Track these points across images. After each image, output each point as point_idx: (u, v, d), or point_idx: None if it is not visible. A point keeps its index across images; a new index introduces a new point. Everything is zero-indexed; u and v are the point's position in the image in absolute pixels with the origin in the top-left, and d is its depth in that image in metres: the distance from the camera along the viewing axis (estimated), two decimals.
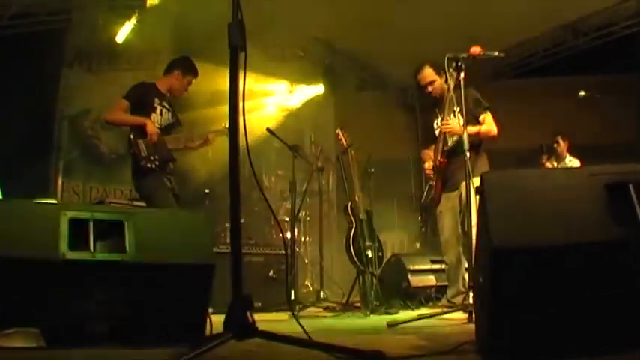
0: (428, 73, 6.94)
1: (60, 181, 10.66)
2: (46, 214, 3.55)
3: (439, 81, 6.83)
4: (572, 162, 10.13)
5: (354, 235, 7.22)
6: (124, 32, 10.48)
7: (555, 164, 10.18)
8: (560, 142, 10.20)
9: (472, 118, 6.57)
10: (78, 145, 11.01)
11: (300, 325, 3.29)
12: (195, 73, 7.25)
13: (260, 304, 7.26)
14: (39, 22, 9.98)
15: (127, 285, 3.53)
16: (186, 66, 7.24)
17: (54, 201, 4.89)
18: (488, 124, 6.75)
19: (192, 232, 3.82)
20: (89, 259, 3.47)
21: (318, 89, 12.97)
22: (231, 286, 3.07)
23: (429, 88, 7.01)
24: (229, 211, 3.17)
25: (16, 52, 9.42)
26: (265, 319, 5.72)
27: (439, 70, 6.74)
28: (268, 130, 8.51)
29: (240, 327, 2.90)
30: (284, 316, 6.76)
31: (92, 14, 10.19)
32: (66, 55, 10.89)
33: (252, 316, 2.97)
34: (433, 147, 7.00)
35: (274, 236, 9.83)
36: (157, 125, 6.80)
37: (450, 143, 6.73)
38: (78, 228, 3.51)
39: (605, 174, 2.88)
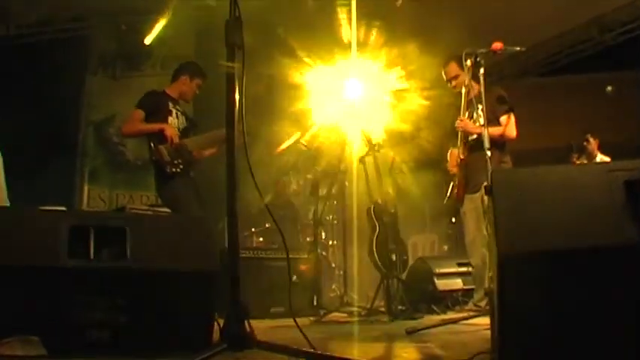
0: (452, 68, 6.83)
1: (86, 188, 10.65)
2: (47, 220, 3.47)
3: (462, 77, 6.67)
4: (603, 160, 9.96)
5: (377, 238, 7.07)
6: (152, 35, 10.46)
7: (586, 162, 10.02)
8: (591, 140, 10.04)
9: (493, 118, 6.43)
10: (103, 151, 11.02)
11: (303, 333, 3.14)
12: (202, 75, 7.20)
13: (283, 309, 7.15)
14: (61, 29, 9.97)
15: (128, 292, 3.43)
16: (192, 70, 7.21)
17: (62, 207, 4.79)
18: (508, 126, 6.61)
19: (197, 237, 3.71)
20: (89, 267, 3.38)
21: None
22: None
23: (453, 83, 6.95)
24: (227, 217, 3.05)
25: (39, 59, 9.42)
26: (285, 325, 5.62)
27: (473, 60, 6.58)
28: (291, 134, 8.41)
29: (235, 337, 2.78)
30: (306, 321, 6.65)
31: (115, 20, 10.18)
32: (89, 62, 10.90)
33: (250, 325, 2.84)
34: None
35: (300, 240, 9.69)
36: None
37: (469, 139, 6.61)
38: (79, 235, 3.42)
39: (624, 170, 2.68)
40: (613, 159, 9.71)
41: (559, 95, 12.20)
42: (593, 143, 10.08)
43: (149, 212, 7.70)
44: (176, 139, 6.64)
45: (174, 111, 6.93)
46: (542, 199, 2.61)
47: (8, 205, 4.91)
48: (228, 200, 3.06)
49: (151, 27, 10.59)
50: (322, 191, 9.48)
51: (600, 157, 10.08)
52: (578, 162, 9.91)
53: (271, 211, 9.43)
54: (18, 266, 3.23)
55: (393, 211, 7.44)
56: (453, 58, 6.83)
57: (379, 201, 7.28)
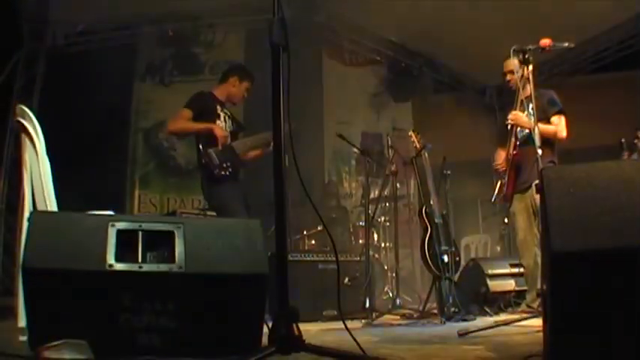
0: (510, 63, 6.69)
1: (137, 193, 10.75)
2: (94, 225, 3.46)
3: (519, 74, 6.56)
4: None
5: (429, 239, 7.01)
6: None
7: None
8: None
9: (544, 118, 6.34)
10: (154, 156, 11.10)
11: (352, 336, 3.10)
12: (251, 78, 7.19)
13: (335, 312, 7.12)
14: (108, 37, 10.07)
15: (176, 296, 3.42)
16: (242, 72, 7.22)
17: (109, 212, 4.82)
18: (560, 126, 6.52)
19: (246, 241, 3.68)
20: (137, 271, 3.37)
21: (394, 92, 12.84)
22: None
23: (508, 77, 6.89)
24: (275, 219, 3.02)
25: (87, 68, 9.51)
26: (336, 328, 5.59)
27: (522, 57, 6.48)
28: (339, 135, 8.38)
29: (284, 341, 2.75)
30: (358, 324, 6.63)
31: (162, 27, 10.25)
32: (137, 69, 11.00)
33: (298, 328, 2.81)
34: (506, 148, 6.80)
35: (353, 243, 9.65)
36: None
37: (520, 136, 6.53)
38: (127, 239, 3.42)
39: None
40: None
41: (609, 92, 12.06)
42: None
43: (200, 216, 7.76)
44: (225, 141, 6.65)
45: (222, 114, 6.93)
46: (594, 197, 2.52)
47: (56, 210, 4.95)
48: (276, 202, 3.03)
49: (199, 32, 10.68)
50: (374, 193, 9.46)
51: None
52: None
53: (323, 214, 9.49)
54: (66, 270, 3.23)
55: (444, 212, 7.38)
56: (513, 53, 6.71)
57: (431, 202, 7.22)
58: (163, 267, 3.42)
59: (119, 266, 3.33)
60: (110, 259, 3.32)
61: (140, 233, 3.47)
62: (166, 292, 3.42)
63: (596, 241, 2.43)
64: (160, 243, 3.50)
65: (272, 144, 3.22)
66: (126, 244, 3.41)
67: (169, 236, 3.50)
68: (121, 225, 3.46)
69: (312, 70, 11.67)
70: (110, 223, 3.44)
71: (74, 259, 3.28)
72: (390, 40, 12.13)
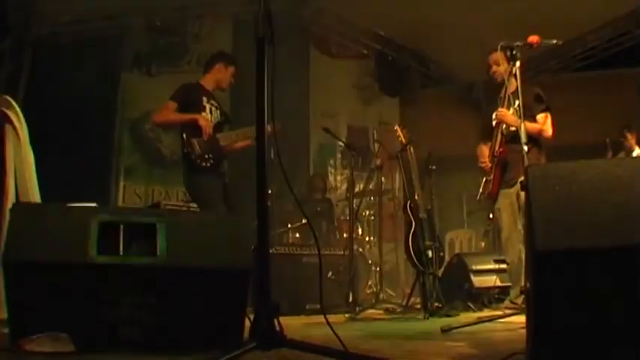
0: (497, 55, 6.65)
1: (122, 184, 10.69)
2: (77, 217, 3.45)
3: (503, 67, 6.54)
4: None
5: (413, 235, 7.00)
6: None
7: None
8: (628, 135, 10.01)
9: (529, 115, 6.33)
10: (139, 148, 11.03)
11: (334, 331, 3.07)
12: (235, 63, 7.23)
13: (318, 305, 7.11)
14: (95, 28, 10.01)
15: (158, 289, 3.41)
16: (226, 58, 7.25)
17: (93, 204, 4.81)
18: (545, 125, 6.51)
19: (229, 234, 3.67)
20: (118, 263, 3.35)
21: (382, 86, 12.85)
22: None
23: (493, 69, 6.80)
24: (256, 211, 3.00)
25: (73, 58, 9.46)
26: (319, 322, 5.58)
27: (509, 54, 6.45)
28: (325, 129, 8.38)
29: (265, 336, 2.73)
30: (341, 318, 6.62)
31: (150, 17, 10.21)
32: (124, 60, 10.93)
33: (279, 323, 2.79)
34: (489, 144, 6.80)
35: (337, 237, 9.64)
36: None
37: (505, 132, 6.51)
38: (109, 231, 3.40)
39: None
40: None
41: (596, 89, 12.11)
42: (630, 138, 10.06)
43: (184, 208, 7.74)
44: (209, 131, 6.63)
45: (207, 106, 6.90)
46: (579, 195, 2.51)
47: (40, 202, 4.92)
48: (257, 196, 3.01)
49: (186, 23, 10.65)
50: (359, 187, 9.45)
51: (638, 152, 10.02)
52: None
53: (308, 207, 9.46)
54: (48, 262, 3.22)
55: (429, 207, 7.37)
56: (499, 48, 6.67)
57: (415, 197, 7.21)
58: (145, 260, 3.41)
59: (101, 259, 3.31)
60: (92, 251, 3.30)
61: (122, 226, 3.45)
62: (148, 285, 3.40)
63: (580, 240, 2.42)
64: (142, 236, 3.48)
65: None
66: (108, 237, 3.39)
67: (151, 229, 3.48)
68: (103, 217, 3.44)
69: (298, 63, 11.67)
70: (92, 216, 3.41)
71: (56, 251, 3.27)
72: (378, 33, 12.17)
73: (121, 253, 3.39)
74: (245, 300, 3.62)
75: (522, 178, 5.28)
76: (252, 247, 3.51)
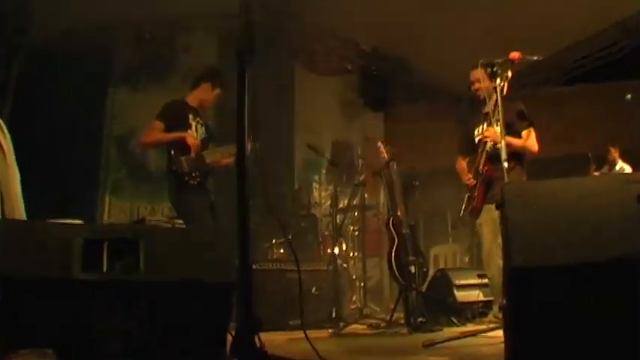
0: (478, 72, 6.65)
1: (107, 200, 10.69)
2: (61, 234, 3.46)
3: (486, 84, 6.54)
4: (622, 168, 10.03)
5: (396, 251, 7.04)
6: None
7: (607, 172, 10.10)
8: (611, 150, 10.14)
9: (514, 132, 6.37)
10: (125, 163, 11.04)
11: (313, 347, 3.11)
12: (223, 85, 7.19)
13: (300, 321, 7.14)
14: (84, 40, 10.01)
15: (141, 305, 3.42)
16: (214, 78, 7.22)
17: (78, 221, 4.82)
18: (530, 140, 6.54)
19: (212, 250, 3.69)
20: (102, 279, 3.37)
21: (366, 102, 12.92)
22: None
23: (475, 86, 6.78)
24: (237, 227, 3.03)
25: (61, 70, 9.46)
26: (302, 338, 5.59)
27: (490, 71, 6.45)
28: (309, 145, 8.43)
29: (245, 352, 2.76)
30: (325, 334, 6.64)
31: (138, 31, 10.23)
32: (112, 73, 10.94)
33: (260, 339, 2.83)
34: (468, 158, 6.84)
35: (322, 252, 9.66)
36: None
37: (489, 149, 6.51)
38: (92, 248, 3.42)
39: (638, 182, 2.63)
40: (635, 166, 9.74)
41: (580, 103, 12.18)
42: (613, 153, 10.17)
43: (168, 224, 7.76)
44: (198, 149, 6.67)
45: (194, 124, 6.94)
46: (554, 213, 2.56)
47: (25, 218, 4.92)
48: (238, 211, 3.05)
49: (174, 36, 10.67)
50: (343, 203, 9.48)
51: (621, 166, 10.13)
52: (596, 174, 10.00)
53: (292, 223, 9.48)
54: (31, 279, 3.23)
55: (412, 223, 7.41)
56: (481, 63, 6.68)
57: (398, 214, 7.25)
58: (128, 276, 3.43)
59: (85, 275, 3.33)
60: (76, 268, 3.31)
61: (106, 243, 3.47)
62: (131, 300, 3.42)
63: (555, 257, 2.47)
64: (125, 252, 3.49)
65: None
66: (92, 254, 3.40)
67: (135, 245, 3.50)
68: (87, 234, 3.46)
69: (283, 78, 11.70)
70: (76, 233, 3.43)
71: (40, 268, 3.28)
72: (362, 48, 12.20)
73: (105, 270, 3.40)
74: (228, 315, 3.64)
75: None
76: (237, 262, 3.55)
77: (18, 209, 4.75)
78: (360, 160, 8.89)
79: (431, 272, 8.08)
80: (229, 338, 3.41)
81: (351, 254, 9.97)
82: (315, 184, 12.16)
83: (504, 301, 3.86)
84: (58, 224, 3.78)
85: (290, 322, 7.15)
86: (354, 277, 9.34)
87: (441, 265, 11.42)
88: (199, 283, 3.53)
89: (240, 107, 3.10)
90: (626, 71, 11.61)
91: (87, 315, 3.34)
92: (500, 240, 6.36)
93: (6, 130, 4.73)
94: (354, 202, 9.45)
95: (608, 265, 2.44)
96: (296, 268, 7.41)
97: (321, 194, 12.11)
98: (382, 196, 10.92)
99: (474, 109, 7.10)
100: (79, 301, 3.33)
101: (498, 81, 5.61)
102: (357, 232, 10.05)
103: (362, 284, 8.70)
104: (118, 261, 3.48)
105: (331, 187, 10.34)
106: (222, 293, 3.58)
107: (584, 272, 2.46)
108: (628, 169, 10.15)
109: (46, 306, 3.27)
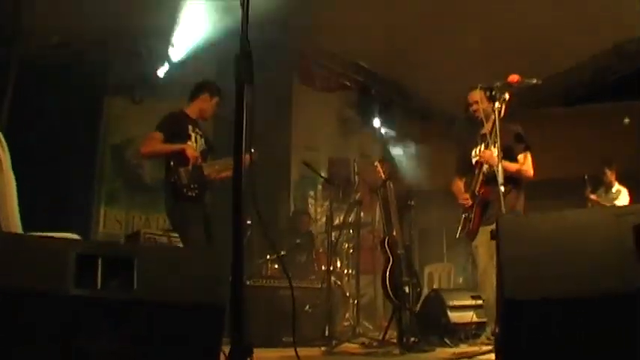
0: (476, 93, 6.64)
1: (102, 210, 10.68)
2: (55, 249, 3.45)
3: (484, 106, 6.53)
4: (619, 191, 10.05)
5: (391, 271, 7.04)
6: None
7: (603, 195, 10.13)
8: (607, 172, 10.16)
9: (511, 155, 6.37)
10: (121, 173, 11.03)
11: None
12: (220, 93, 7.28)
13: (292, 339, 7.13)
14: (81, 51, 10.02)
15: (133, 323, 3.41)
16: (212, 88, 7.27)
17: (73, 235, 4.81)
18: (526, 165, 6.54)
19: (205, 271, 3.69)
20: (94, 297, 3.36)
21: (364, 119, 12.96)
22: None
23: (474, 107, 6.77)
24: (232, 253, 3.02)
25: (58, 81, 9.46)
26: (294, 356, 5.58)
27: (488, 94, 6.44)
28: (305, 163, 8.45)
29: None
30: (317, 352, 6.64)
31: (135, 44, 10.24)
32: (109, 85, 10.94)
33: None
34: (464, 179, 6.85)
35: (315, 269, 9.64)
36: None
37: (486, 171, 6.52)
38: (86, 264, 3.41)
39: (634, 214, 2.63)
40: (631, 188, 9.76)
41: (578, 124, 12.22)
42: (609, 175, 10.19)
43: (163, 237, 7.75)
44: (197, 161, 6.68)
45: (193, 135, 6.96)
46: (549, 246, 2.57)
47: (20, 229, 4.91)
48: (233, 230, 3.04)
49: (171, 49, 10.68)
50: (338, 219, 9.48)
51: (617, 188, 10.15)
52: (592, 196, 10.01)
53: (289, 239, 9.49)
54: (24, 293, 3.22)
55: (407, 243, 7.41)
56: (480, 86, 6.66)
57: (393, 233, 7.25)
58: (121, 294, 3.42)
59: (78, 292, 3.31)
60: (69, 284, 3.30)
61: (100, 259, 3.46)
62: (123, 319, 3.40)
63: (548, 291, 2.47)
64: (119, 269, 3.48)
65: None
66: (85, 270, 3.39)
67: (129, 263, 3.49)
68: (81, 250, 3.45)
69: (281, 94, 11.70)
70: (70, 248, 3.42)
71: (32, 283, 3.26)
72: (362, 66, 12.23)
73: (99, 287, 3.39)
74: (220, 336, 3.63)
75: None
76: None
77: (13, 220, 4.74)
78: (356, 177, 8.86)
79: (425, 290, 8.07)
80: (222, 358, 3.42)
81: (345, 271, 9.96)
82: (311, 200, 12.17)
83: (497, 330, 3.87)
84: (53, 238, 3.77)
85: (283, 339, 7.14)
86: (347, 294, 9.33)
87: (435, 284, 11.44)
88: (191, 304, 3.52)
89: (237, 136, 3.09)
90: (621, 93, 11.66)
91: (78, 331, 3.33)
92: (495, 262, 6.38)
93: (3, 141, 4.72)
94: (350, 220, 9.45)
95: (601, 300, 2.44)
96: (289, 286, 7.45)
97: (316, 210, 12.11)
98: (378, 213, 10.93)
99: (470, 129, 7.09)
100: (70, 317, 3.31)
101: (497, 104, 5.61)
102: (351, 250, 10.04)
103: (355, 302, 8.67)
104: (111, 279, 3.47)
105: (327, 203, 10.36)
106: (213, 315, 3.57)
107: (577, 306, 2.46)
108: (624, 191, 10.16)
109: (37, 321, 3.26)
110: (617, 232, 2.57)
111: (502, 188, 5.29)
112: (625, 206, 2.66)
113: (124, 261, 3.50)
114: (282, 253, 9.06)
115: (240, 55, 3.18)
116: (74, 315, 3.31)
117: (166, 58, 10.70)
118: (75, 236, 4.89)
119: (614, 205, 9.26)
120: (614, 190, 10.24)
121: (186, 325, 3.49)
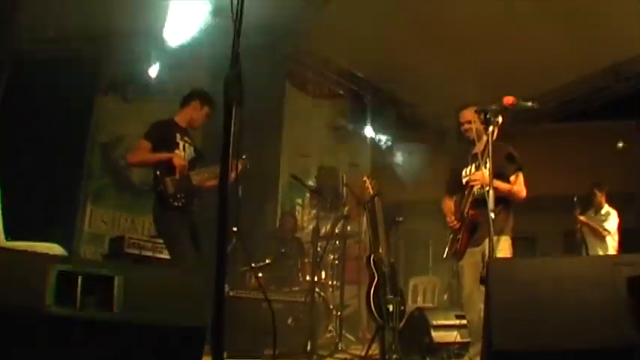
0: (468, 112, 6.59)
1: (89, 209, 10.58)
2: (34, 265, 3.39)
3: (476, 125, 6.47)
4: (608, 212, 10.06)
5: (375, 289, 6.99)
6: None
7: (592, 215, 10.14)
8: (597, 193, 10.15)
9: (502, 176, 6.32)
10: (109, 172, 10.94)
11: None
12: (212, 103, 7.18)
13: (277, 351, 7.07)
14: (73, 48, 9.95)
15: (113, 343, 3.36)
16: (203, 96, 7.19)
17: (55, 245, 4.77)
18: (518, 185, 6.48)
19: (185, 292, 3.65)
20: (74, 315, 3.31)
21: (356, 127, 12.92)
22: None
23: (465, 126, 6.70)
24: (215, 273, 2.97)
25: (49, 77, 9.38)
26: None
27: (483, 117, 6.39)
28: (293, 176, 8.40)
29: None
30: None
31: (128, 42, 10.16)
32: (100, 83, 10.85)
33: None
34: (454, 198, 6.79)
35: (300, 279, 9.56)
36: None
37: (476, 192, 6.45)
38: (66, 281, 3.35)
39: (629, 265, 2.57)
40: (621, 209, 9.75)
41: (570, 142, 12.23)
42: (599, 196, 10.19)
43: (148, 243, 7.70)
44: (184, 171, 6.63)
45: (181, 143, 6.90)
46: (538, 293, 2.52)
47: (3, 237, 4.87)
48: (217, 249, 2.99)
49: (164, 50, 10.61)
50: (325, 228, 9.44)
51: (607, 210, 10.15)
52: (581, 217, 10.00)
53: (277, 245, 9.43)
54: (2, 311, 3.16)
55: (392, 260, 7.36)
56: (471, 106, 6.61)
57: (380, 250, 7.20)
58: (101, 314, 3.37)
59: (57, 310, 3.26)
60: (49, 301, 3.25)
61: (80, 277, 3.41)
62: (102, 339, 3.36)
63: (537, 341, 2.42)
64: (99, 288, 3.44)
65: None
66: (65, 287, 3.34)
67: (109, 282, 3.44)
68: (62, 267, 3.40)
69: (274, 99, 11.65)
70: (51, 265, 3.37)
71: (11, 300, 3.21)
72: (355, 74, 12.21)
73: (78, 305, 3.34)
74: (200, 354, 3.59)
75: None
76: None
77: None
78: (344, 189, 8.83)
79: (409, 303, 8.04)
80: None
81: (330, 282, 9.90)
82: (298, 207, 12.11)
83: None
84: (33, 253, 3.71)
85: (265, 352, 7.08)
86: (331, 306, 9.26)
87: (420, 297, 11.39)
88: (171, 325, 3.48)
89: (225, 154, 3.05)
90: (617, 112, 11.68)
91: (57, 350, 3.27)
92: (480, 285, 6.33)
93: None
94: (336, 231, 9.41)
95: (591, 353, 2.38)
96: (272, 298, 7.40)
97: (303, 217, 12.06)
98: (364, 224, 10.88)
99: (461, 146, 7.04)
100: (50, 335, 3.26)
101: (491, 128, 5.57)
102: (336, 261, 9.98)
103: (338, 313, 8.62)
104: (91, 297, 3.42)
105: (314, 212, 10.31)
106: (193, 337, 3.53)
107: (565, 358, 2.41)
108: (614, 213, 10.14)
109: (16, 339, 3.20)
110: (612, 283, 2.52)
111: (492, 215, 5.23)
112: (620, 256, 2.61)
113: (104, 280, 3.46)
114: (267, 261, 8.99)
115: (229, 78, 3.11)
116: (53, 334, 3.26)
117: (158, 57, 10.59)
118: (57, 248, 4.84)
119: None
120: (603, 211, 10.21)
121: (166, 345, 3.45)
